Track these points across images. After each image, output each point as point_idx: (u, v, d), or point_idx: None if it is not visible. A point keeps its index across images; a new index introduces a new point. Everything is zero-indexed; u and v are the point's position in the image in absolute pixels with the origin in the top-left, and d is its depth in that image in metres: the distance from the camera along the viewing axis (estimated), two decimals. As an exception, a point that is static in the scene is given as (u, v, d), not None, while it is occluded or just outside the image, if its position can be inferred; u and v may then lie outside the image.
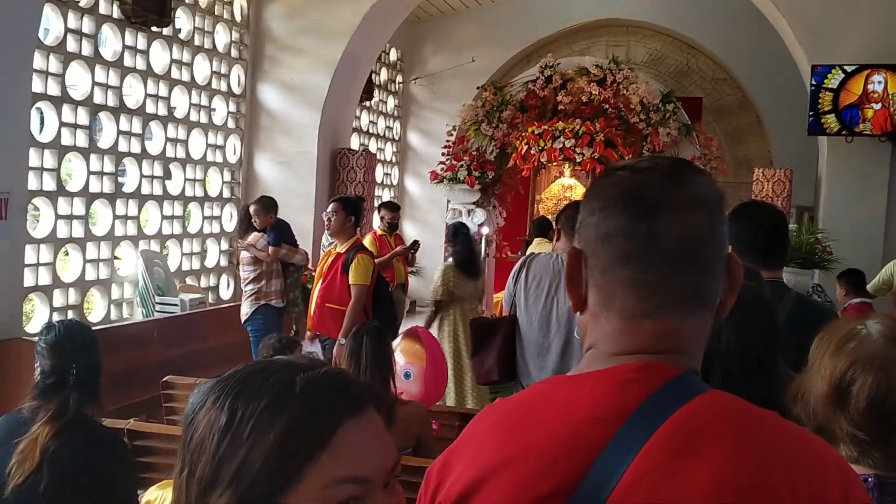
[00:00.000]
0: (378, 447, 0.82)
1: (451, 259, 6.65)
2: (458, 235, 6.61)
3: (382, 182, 11.84)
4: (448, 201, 9.64)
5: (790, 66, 8.50)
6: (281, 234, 6.33)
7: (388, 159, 12.12)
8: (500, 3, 11.75)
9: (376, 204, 10.51)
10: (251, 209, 6.30)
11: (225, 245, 8.23)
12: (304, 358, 0.87)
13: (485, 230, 8.89)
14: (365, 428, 0.81)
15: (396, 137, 12.34)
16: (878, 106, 6.92)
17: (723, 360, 1.64)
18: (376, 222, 7.50)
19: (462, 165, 8.91)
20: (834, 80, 7.03)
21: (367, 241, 7.84)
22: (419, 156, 12.34)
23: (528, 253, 4.44)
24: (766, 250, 2.86)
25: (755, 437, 0.90)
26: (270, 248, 6.15)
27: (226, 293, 8.26)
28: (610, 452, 0.90)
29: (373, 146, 11.39)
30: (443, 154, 9.36)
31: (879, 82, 6.88)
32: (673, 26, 11.37)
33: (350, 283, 5.14)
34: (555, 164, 8.70)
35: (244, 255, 6.17)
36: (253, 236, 6.23)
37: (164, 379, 4.31)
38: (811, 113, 7.19)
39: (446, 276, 6.40)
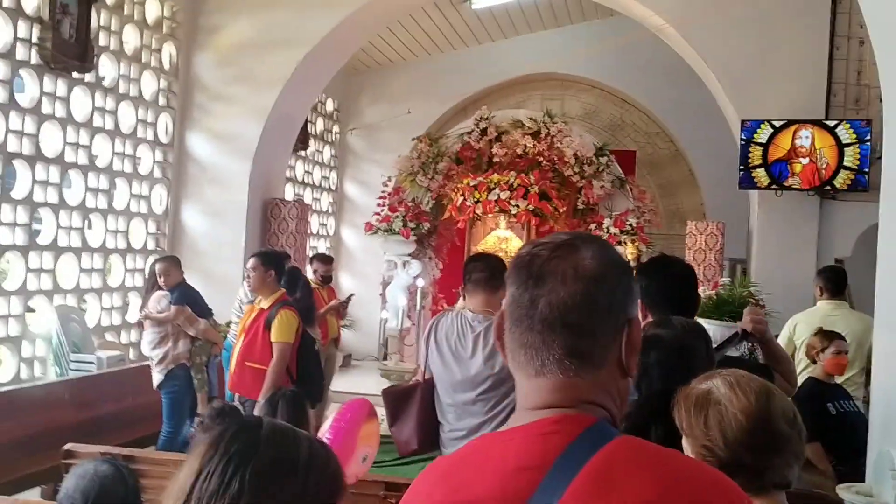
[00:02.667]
0: None
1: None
2: (299, 282, 6.25)
3: (318, 232, 11.64)
4: (384, 252, 9.49)
5: (720, 120, 8.64)
6: (186, 295, 6.07)
7: (325, 209, 11.93)
8: (437, 57, 11.78)
9: (310, 255, 10.33)
10: (157, 267, 6.04)
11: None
12: None
13: (420, 282, 8.74)
14: None
15: (333, 187, 12.18)
16: (805, 160, 7.03)
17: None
18: (309, 275, 7.32)
19: (397, 216, 8.79)
20: (763, 134, 7.13)
21: None
22: (356, 206, 12.18)
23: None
24: (677, 302, 2.81)
25: (663, 470, 1.03)
26: (172, 308, 5.88)
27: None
28: (538, 497, 1.02)
29: (308, 196, 11.21)
30: (378, 205, 9.24)
31: (807, 137, 7.00)
32: (606, 81, 11.53)
33: (272, 340, 4.89)
34: (490, 215, 8.64)
35: (152, 308, 5.91)
36: (155, 296, 5.96)
37: (65, 447, 4.00)
38: (742, 167, 7.27)
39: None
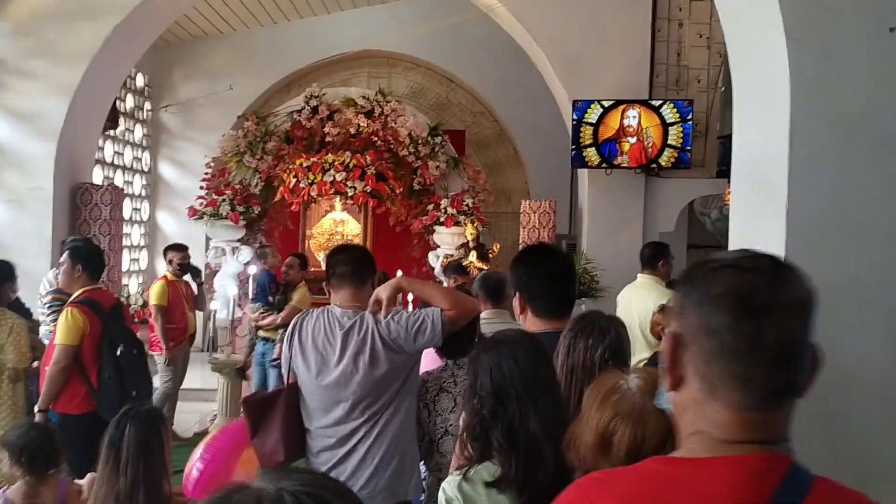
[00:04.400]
0: None
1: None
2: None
3: (132, 218, 10.80)
4: (208, 239, 8.95)
5: (545, 101, 8.80)
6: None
7: (138, 193, 11.09)
8: (256, 30, 11.22)
9: (126, 243, 9.57)
10: None
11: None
12: None
13: (252, 269, 8.29)
14: None
15: (146, 169, 11.34)
16: (633, 140, 7.29)
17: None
18: (162, 267, 6.85)
19: (224, 200, 8.29)
20: (593, 114, 7.31)
21: (156, 289, 7.02)
22: (173, 189, 11.41)
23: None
24: (563, 296, 2.76)
25: None
26: None
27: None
28: None
29: (119, 179, 10.36)
30: (202, 188, 8.67)
31: (634, 117, 7.25)
32: (433, 59, 11.47)
33: (54, 342, 4.35)
34: (325, 197, 8.34)
35: None
36: None
37: None
38: (573, 146, 7.43)
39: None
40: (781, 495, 1.05)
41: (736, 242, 3.78)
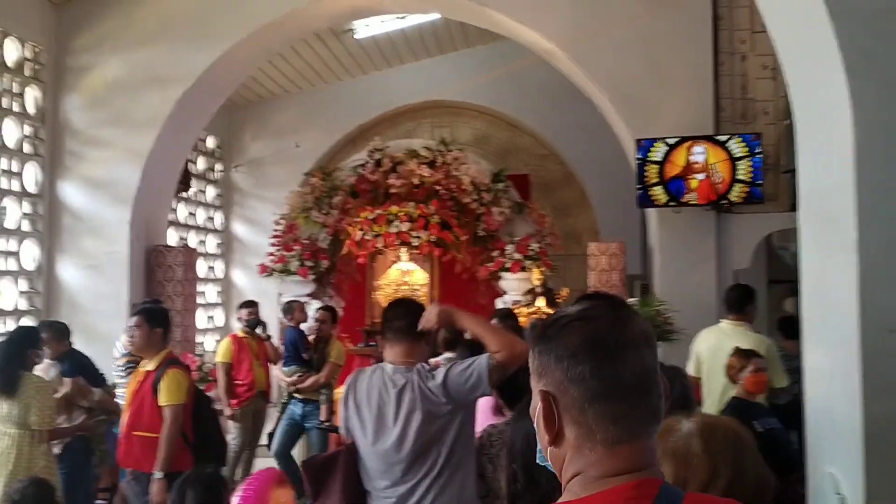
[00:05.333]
0: None
1: None
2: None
3: (206, 276, 11.06)
4: (279, 294, 9.06)
5: (609, 140, 8.69)
6: (76, 365, 5.55)
7: (212, 252, 11.36)
8: (322, 88, 11.48)
9: (201, 301, 9.78)
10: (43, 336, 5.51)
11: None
12: None
13: (321, 323, 8.34)
14: None
15: (220, 228, 11.63)
16: (701, 176, 7.09)
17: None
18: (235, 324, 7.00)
19: (293, 255, 8.40)
20: (658, 152, 7.16)
21: (221, 346, 7.14)
22: (246, 246, 11.67)
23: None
24: None
25: None
26: (66, 381, 5.35)
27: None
28: None
29: (193, 239, 10.64)
30: (272, 245, 8.81)
31: (701, 153, 7.07)
32: (495, 106, 11.52)
33: (160, 404, 4.44)
34: (391, 248, 8.38)
35: None
36: (41, 367, 5.42)
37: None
38: (639, 186, 7.28)
39: None
40: None
41: (808, 278, 3.61)
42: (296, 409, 6.91)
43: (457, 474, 3.05)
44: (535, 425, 1.25)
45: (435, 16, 9.35)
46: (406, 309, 3.23)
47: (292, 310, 7.21)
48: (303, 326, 7.20)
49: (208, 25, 7.56)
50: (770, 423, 4.72)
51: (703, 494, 1.25)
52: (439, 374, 3.03)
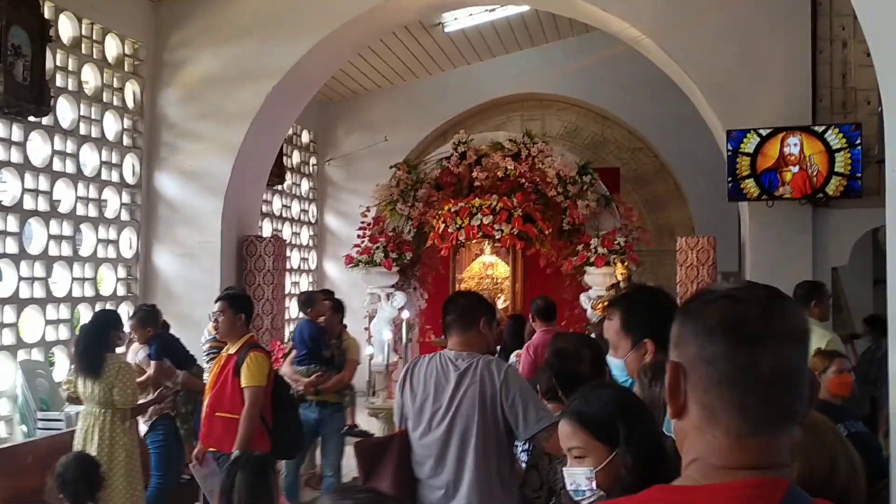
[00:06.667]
0: None
1: None
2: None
3: (300, 267, 11.32)
4: (367, 286, 9.19)
5: (703, 132, 8.42)
6: (164, 347, 5.77)
7: (305, 244, 11.62)
8: (412, 82, 11.57)
9: (288, 291, 10.00)
10: (129, 324, 5.76)
11: (121, 348, 7.54)
12: None
13: (405, 314, 8.41)
14: None
15: (313, 220, 11.88)
16: (795, 168, 6.78)
17: None
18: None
19: (378, 247, 8.50)
20: (750, 144, 6.89)
21: None
22: (338, 238, 11.89)
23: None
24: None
25: None
26: (153, 363, 5.57)
27: (124, 400, 7.53)
28: None
29: (287, 231, 10.91)
30: (358, 236, 8.95)
31: (795, 145, 6.76)
32: (586, 98, 11.34)
33: (242, 385, 4.57)
34: (474, 241, 8.36)
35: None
36: (133, 348, 5.66)
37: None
38: (730, 178, 7.02)
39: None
40: None
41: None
42: (310, 413, 6.28)
43: (495, 464, 3.07)
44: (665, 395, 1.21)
45: (524, 7, 9.27)
46: (456, 303, 3.36)
47: (312, 301, 6.76)
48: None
49: (297, 21, 7.72)
50: (857, 426, 4.47)
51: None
52: (512, 389, 3.07)
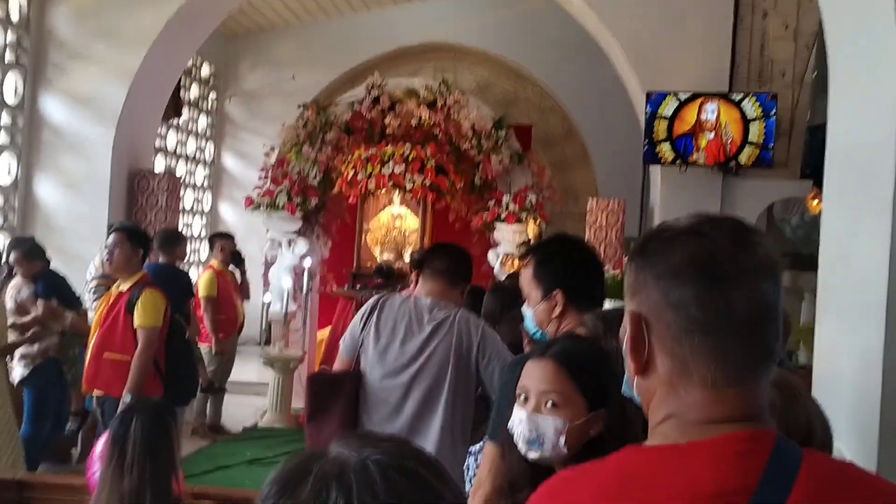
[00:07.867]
0: None
1: None
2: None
3: (193, 209, 10.77)
4: (266, 230, 8.79)
5: (617, 95, 8.39)
6: (51, 285, 5.28)
7: (200, 183, 11.05)
8: (322, 21, 11.07)
9: (187, 234, 9.50)
10: (14, 255, 5.22)
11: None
12: None
13: (307, 262, 8.09)
14: None
15: (209, 160, 11.29)
16: (711, 135, 6.81)
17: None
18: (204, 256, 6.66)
19: (282, 190, 8.09)
20: (668, 108, 6.86)
21: (205, 280, 6.84)
22: (235, 180, 11.36)
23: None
24: (598, 289, 2.39)
25: (870, 488, 0.99)
26: (39, 302, 5.08)
27: None
28: None
29: (181, 168, 10.32)
30: (260, 178, 8.51)
31: (713, 111, 6.77)
32: (500, 52, 11.14)
33: (136, 325, 4.22)
34: (383, 190, 8.09)
35: (8, 303, 5.07)
36: (13, 284, 5.15)
37: None
38: (646, 141, 6.99)
39: None
40: (771, 476, 0.94)
41: (829, 245, 3.36)
42: None
43: (459, 419, 2.96)
44: (623, 350, 1.06)
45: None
46: (452, 255, 3.20)
47: (175, 241, 6.15)
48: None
49: (205, -59, 7.16)
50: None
51: (819, 454, 1.01)
52: (489, 348, 2.94)
